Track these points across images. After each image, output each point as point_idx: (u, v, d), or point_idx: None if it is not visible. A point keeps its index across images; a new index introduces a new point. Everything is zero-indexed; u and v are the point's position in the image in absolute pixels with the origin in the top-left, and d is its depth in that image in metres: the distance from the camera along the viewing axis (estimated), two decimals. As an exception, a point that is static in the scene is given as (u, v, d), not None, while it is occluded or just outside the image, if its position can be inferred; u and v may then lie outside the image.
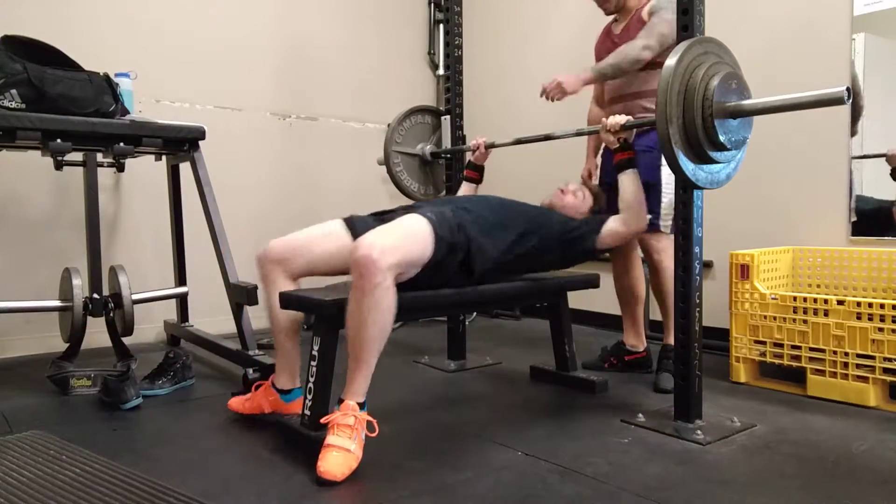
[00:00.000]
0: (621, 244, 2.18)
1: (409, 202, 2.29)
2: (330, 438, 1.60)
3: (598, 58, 2.42)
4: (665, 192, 2.23)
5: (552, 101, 2.30)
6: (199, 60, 3.41)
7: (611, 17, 2.49)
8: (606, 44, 2.44)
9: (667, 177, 2.21)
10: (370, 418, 1.67)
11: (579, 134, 2.20)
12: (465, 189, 2.55)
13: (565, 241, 2.11)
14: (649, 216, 2.20)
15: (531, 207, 2.19)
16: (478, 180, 2.56)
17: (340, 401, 1.66)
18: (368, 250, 1.59)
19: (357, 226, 1.98)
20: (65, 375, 2.32)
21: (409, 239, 1.73)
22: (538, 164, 3.52)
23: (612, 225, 2.11)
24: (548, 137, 2.29)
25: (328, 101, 3.90)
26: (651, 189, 2.22)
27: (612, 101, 2.42)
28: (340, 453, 1.57)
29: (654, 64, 2.20)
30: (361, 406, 1.67)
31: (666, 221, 2.26)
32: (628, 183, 2.07)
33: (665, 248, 2.25)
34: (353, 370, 1.67)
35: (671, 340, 2.19)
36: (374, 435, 1.67)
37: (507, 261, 2.04)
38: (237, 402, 2.08)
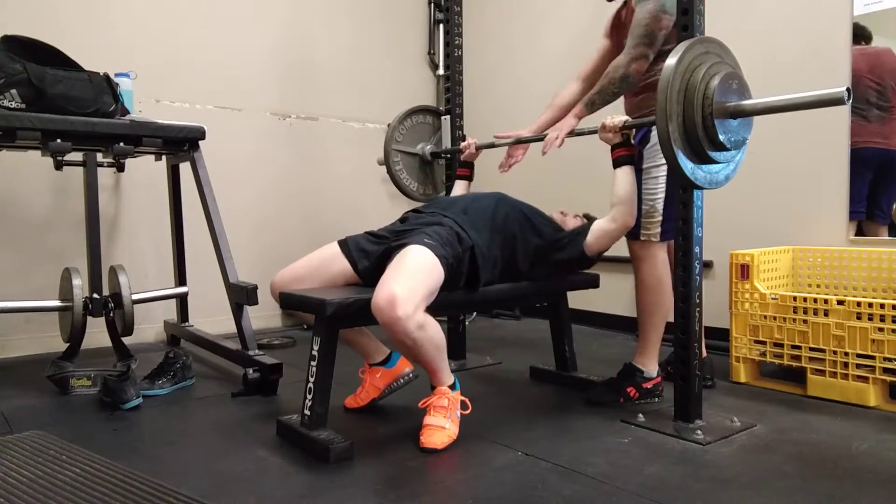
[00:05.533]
0: (611, 244, 2.15)
1: (405, 210, 2.29)
2: (427, 419, 1.80)
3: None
4: (645, 199, 2.12)
5: (560, 147, 2.22)
6: (199, 60, 3.41)
7: (618, 3, 2.32)
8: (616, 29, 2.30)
9: (645, 183, 2.13)
10: (463, 398, 1.86)
11: (578, 134, 2.19)
12: (458, 187, 2.58)
13: (555, 249, 2.14)
14: None
15: (529, 209, 2.21)
16: (469, 177, 2.61)
17: (433, 387, 1.84)
18: (390, 311, 1.65)
19: (353, 251, 2.03)
20: (65, 375, 2.32)
21: (419, 276, 1.77)
22: (537, 163, 3.52)
23: (600, 224, 2.11)
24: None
25: (328, 101, 3.90)
26: None
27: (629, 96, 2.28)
28: (437, 430, 1.77)
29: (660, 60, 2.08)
30: (453, 387, 1.85)
31: (648, 230, 2.12)
32: (623, 177, 2.05)
33: (646, 256, 2.14)
34: (431, 372, 1.83)
35: (638, 360, 2.17)
36: (467, 412, 1.85)
37: (506, 259, 2.09)
38: (352, 401, 2.13)
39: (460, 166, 2.62)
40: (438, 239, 1.88)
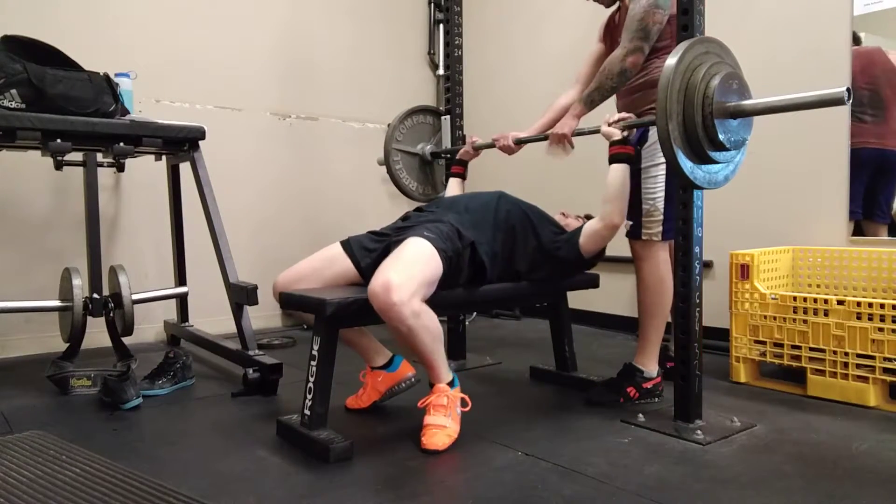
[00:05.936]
0: (603, 244, 2.14)
1: (405, 210, 2.29)
2: (427, 419, 1.79)
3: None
4: (645, 199, 2.12)
5: (564, 149, 2.22)
6: (199, 60, 3.41)
7: (612, 8, 2.33)
8: (608, 34, 2.32)
9: (644, 183, 2.13)
10: (463, 395, 1.85)
11: (579, 134, 2.19)
12: (453, 185, 2.57)
13: (553, 251, 2.14)
14: (629, 223, 2.14)
15: (529, 207, 2.21)
16: (463, 175, 2.60)
17: (431, 385, 1.83)
18: (385, 297, 1.66)
19: (355, 249, 2.04)
20: (65, 375, 2.32)
21: (417, 265, 1.78)
22: (538, 163, 3.52)
23: (590, 225, 2.11)
24: (547, 138, 2.29)
25: (328, 101, 3.90)
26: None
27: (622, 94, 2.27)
28: (438, 430, 1.76)
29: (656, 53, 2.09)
30: (451, 384, 1.83)
31: (649, 229, 2.12)
32: (614, 175, 2.02)
33: (647, 256, 2.14)
34: (429, 366, 1.82)
35: (638, 360, 2.17)
36: (467, 409, 1.83)
37: (506, 257, 2.10)
38: (353, 401, 2.14)
39: (455, 164, 2.62)
40: (438, 233, 1.90)
